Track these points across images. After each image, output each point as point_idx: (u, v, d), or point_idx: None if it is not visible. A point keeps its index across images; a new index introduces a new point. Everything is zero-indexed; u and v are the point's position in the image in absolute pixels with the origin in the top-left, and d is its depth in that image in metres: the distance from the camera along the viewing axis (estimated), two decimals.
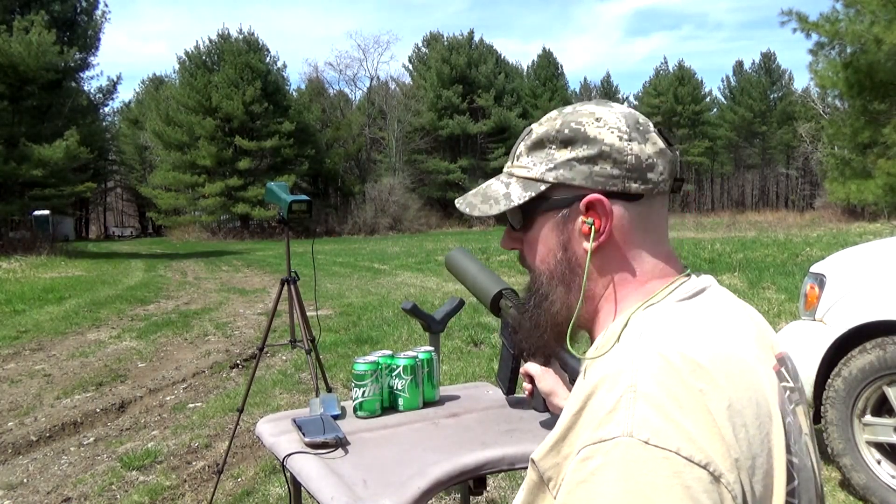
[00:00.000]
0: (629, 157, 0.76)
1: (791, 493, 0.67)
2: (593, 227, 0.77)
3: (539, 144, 0.81)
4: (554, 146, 0.79)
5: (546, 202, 0.80)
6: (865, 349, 2.83)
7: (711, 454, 0.59)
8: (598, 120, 0.78)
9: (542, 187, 0.79)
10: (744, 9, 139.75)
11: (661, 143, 0.78)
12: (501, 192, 0.83)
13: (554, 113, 0.83)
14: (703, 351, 0.66)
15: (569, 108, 0.82)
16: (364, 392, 1.59)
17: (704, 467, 0.58)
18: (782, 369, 0.76)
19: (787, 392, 0.74)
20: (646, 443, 0.59)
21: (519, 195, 0.81)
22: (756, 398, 0.66)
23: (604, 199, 0.76)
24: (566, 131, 0.78)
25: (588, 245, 0.77)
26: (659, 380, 0.63)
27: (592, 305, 0.81)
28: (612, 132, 0.77)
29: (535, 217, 0.81)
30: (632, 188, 0.76)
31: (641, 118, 0.80)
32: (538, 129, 0.82)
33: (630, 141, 0.77)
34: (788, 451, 0.67)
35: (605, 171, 0.76)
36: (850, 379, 2.84)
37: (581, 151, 0.77)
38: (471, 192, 0.88)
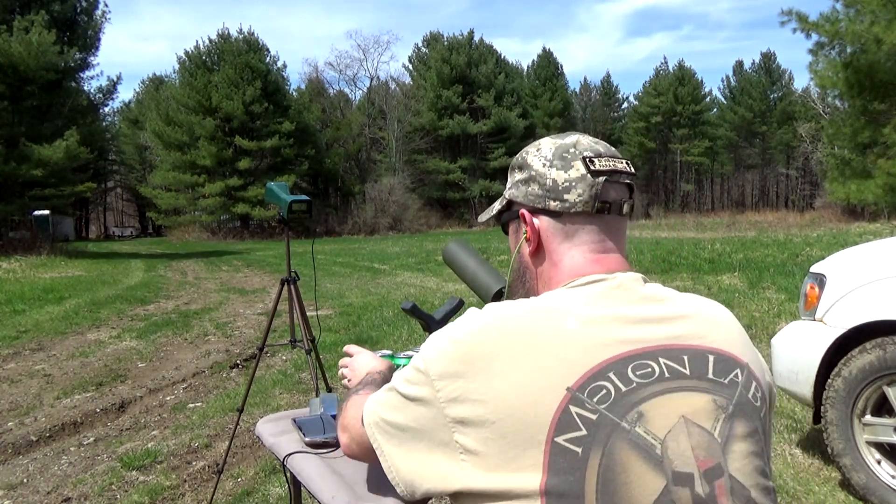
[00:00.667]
0: (548, 180, 0.95)
1: (572, 441, 0.78)
2: (525, 235, 0.98)
3: (511, 169, 1.04)
4: (516, 170, 1.02)
5: (508, 213, 1.04)
6: (865, 349, 2.82)
7: (442, 372, 0.84)
8: (538, 150, 0.99)
9: (504, 202, 1.05)
10: (744, 9, 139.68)
11: (582, 171, 0.93)
12: (494, 205, 1.08)
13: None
14: (514, 313, 0.86)
15: (536, 141, 1.03)
16: None
17: (426, 375, 0.86)
18: (710, 361, 0.86)
19: (668, 374, 0.83)
20: (419, 353, 0.90)
21: (496, 207, 1.07)
22: (544, 355, 0.81)
23: (526, 213, 0.98)
24: (520, 159, 1.01)
25: (525, 249, 1.00)
26: (460, 323, 0.88)
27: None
28: (540, 160, 0.97)
29: (507, 225, 1.06)
30: (551, 206, 0.95)
31: (574, 149, 0.96)
32: (515, 157, 1.04)
33: (551, 167, 0.95)
34: (579, 405, 0.79)
35: (533, 191, 0.97)
36: (850, 379, 2.84)
37: (523, 175, 1.00)
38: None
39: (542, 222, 0.97)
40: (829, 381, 2.92)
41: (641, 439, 0.79)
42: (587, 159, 0.94)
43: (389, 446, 0.91)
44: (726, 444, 0.81)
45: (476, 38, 54.72)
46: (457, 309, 1.86)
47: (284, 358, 6.09)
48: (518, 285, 1.03)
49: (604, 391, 0.80)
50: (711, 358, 0.86)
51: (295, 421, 1.50)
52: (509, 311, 0.87)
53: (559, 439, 0.78)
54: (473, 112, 51.52)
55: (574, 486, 0.77)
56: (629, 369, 0.82)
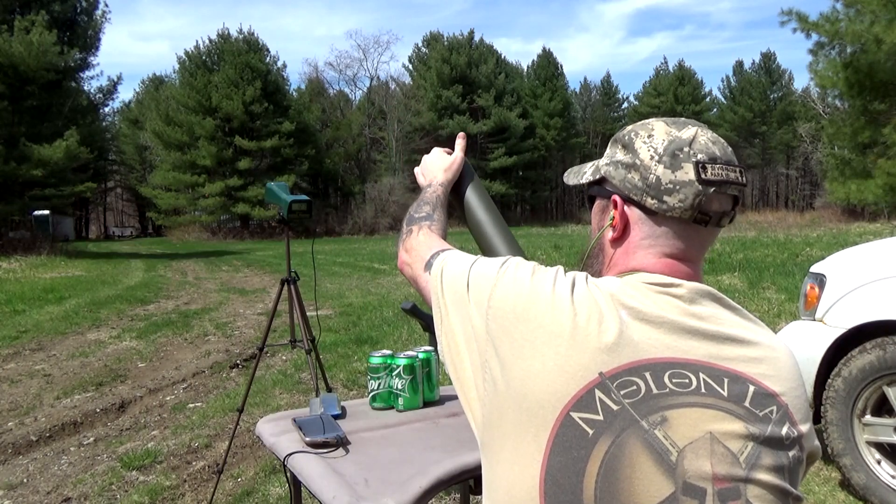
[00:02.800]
0: (652, 175, 0.90)
1: (585, 421, 0.79)
2: (611, 221, 0.94)
3: (615, 141, 0.97)
4: (619, 148, 0.95)
5: (599, 189, 0.98)
6: (865, 349, 2.83)
7: (504, 295, 0.89)
8: (649, 137, 0.92)
9: (597, 176, 0.98)
10: (746, 9, 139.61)
11: (692, 176, 0.88)
12: (585, 169, 1.03)
13: (644, 121, 0.98)
14: (584, 287, 0.87)
15: (651, 120, 0.96)
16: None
17: (492, 284, 0.90)
18: (750, 391, 0.83)
19: (704, 390, 0.82)
20: (501, 263, 0.94)
21: (587, 176, 1.01)
22: (590, 336, 0.82)
23: (620, 203, 0.93)
24: (626, 137, 0.94)
25: (608, 234, 0.96)
26: (547, 272, 0.91)
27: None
28: (649, 150, 0.91)
29: (595, 198, 1.00)
30: (647, 202, 0.90)
31: (689, 148, 0.89)
32: (623, 128, 0.97)
33: (658, 163, 0.89)
34: (605, 392, 0.80)
35: (633, 181, 0.92)
36: (850, 379, 2.84)
37: (626, 157, 0.93)
38: (584, 164, 1.06)
39: (632, 213, 0.93)
40: (829, 381, 2.92)
41: (658, 442, 0.78)
42: (700, 165, 0.88)
43: (451, 308, 0.95)
44: (750, 470, 0.80)
45: (476, 38, 54.75)
46: None
47: (284, 358, 6.09)
48: (586, 264, 1.02)
49: (633, 387, 0.80)
50: (751, 389, 0.84)
51: (295, 421, 1.50)
52: (583, 284, 0.88)
53: (574, 414, 0.79)
54: (473, 112, 51.50)
55: (575, 465, 0.78)
56: (666, 375, 0.82)
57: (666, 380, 0.81)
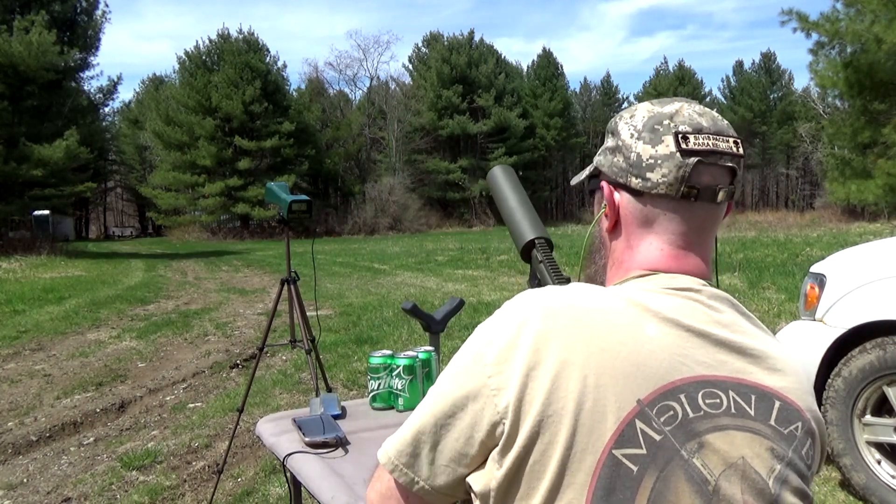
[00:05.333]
0: (633, 154, 0.85)
1: (629, 458, 0.72)
2: (603, 209, 0.90)
3: (606, 132, 0.94)
4: (608, 136, 0.92)
5: (594, 181, 0.94)
6: (865, 349, 2.83)
7: (499, 356, 0.76)
8: (631, 117, 0.88)
9: (592, 169, 0.94)
10: (748, 8, 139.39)
11: (672, 148, 0.82)
12: (586, 169, 0.98)
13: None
14: (594, 298, 0.80)
15: (639, 103, 0.91)
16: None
17: (480, 361, 0.78)
18: (776, 407, 0.79)
19: (734, 410, 0.77)
20: (474, 334, 0.83)
21: (584, 173, 0.97)
22: (621, 358, 0.74)
23: (609, 189, 0.89)
24: (612, 123, 0.91)
25: (604, 224, 0.91)
26: (529, 298, 0.81)
27: (605, 277, 0.93)
28: (629, 129, 0.87)
29: (594, 193, 0.95)
30: (632, 182, 0.85)
31: (670, 121, 0.84)
32: (612, 118, 0.94)
33: (638, 139, 0.85)
34: (645, 422, 0.73)
35: (618, 163, 0.87)
36: (850, 379, 2.84)
37: (611, 142, 0.90)
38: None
39: (622, 198, 0.88)
40: (829, 381, 2.92)
41: (697, 472, 0.74)
42: (680, 135, 0.82)
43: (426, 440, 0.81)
44: (778, 497, 0.77)
45: (477, 38, 54.76)
46: (457, 309, 1.86)
47: (284, 358, 6.09)
48: (590, 260, 0.96)
49: (671, 412, 0.75)
50: (777, 404, 0.81)
51: (295, 421, 1.50)
52: (589, 295, 0.80)
53: (617, 452, 0.73)
54: (473, 112, 51.49)
55: None
56: (700, 395, 0.76)
57: (700, 401, 0.76)
